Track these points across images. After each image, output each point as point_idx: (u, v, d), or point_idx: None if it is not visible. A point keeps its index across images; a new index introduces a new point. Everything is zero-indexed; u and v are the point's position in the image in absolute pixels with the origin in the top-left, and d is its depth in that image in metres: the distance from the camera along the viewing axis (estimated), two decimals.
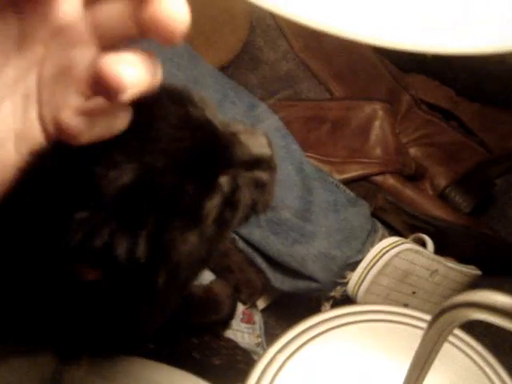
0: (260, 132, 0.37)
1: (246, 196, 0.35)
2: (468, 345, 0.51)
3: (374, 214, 0.79)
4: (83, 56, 0.29)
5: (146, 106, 0.30)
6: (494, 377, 0.49)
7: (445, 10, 0.39)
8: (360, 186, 0.84)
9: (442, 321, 0.34)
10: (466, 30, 0.38)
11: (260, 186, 0.36)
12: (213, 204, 0.33)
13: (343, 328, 0.52)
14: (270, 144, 0.36)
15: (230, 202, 0.35)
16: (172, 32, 0.26)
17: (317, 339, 0.51)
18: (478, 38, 0.38)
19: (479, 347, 0.51)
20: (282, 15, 0.40)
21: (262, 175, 0.36)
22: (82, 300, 0.34)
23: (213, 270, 0.66)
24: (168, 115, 0.32)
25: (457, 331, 0.51)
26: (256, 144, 0.36)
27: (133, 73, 0.26)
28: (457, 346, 0.51)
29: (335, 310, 0.54)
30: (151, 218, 0.31)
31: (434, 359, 0.36)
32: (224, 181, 0.34)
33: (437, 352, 0.36)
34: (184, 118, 0.33)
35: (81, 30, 0.29)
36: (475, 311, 0.30)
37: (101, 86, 0.26)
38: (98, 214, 0.29)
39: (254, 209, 0.37)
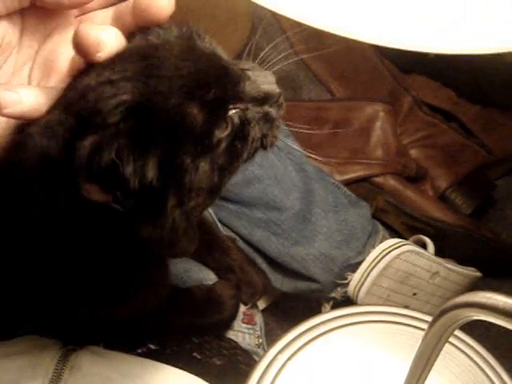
0: (268, 71, 0.38)
1: (255, 129, 0.37)
2: (469, 346, 0.51)
3: (374, 215, 0.79)
4: (67, 52, 0.34)
5: (147, 40, 0.33)
6: (494, 378, 0.49)
7: (444, 9, 0.39)
8: (361, 187, 0.84)
9: (443, 321, 0.33)
10: (465, 29, 0.38)
11: (269, 120, 0.38)
12: (223, 133, 0.35)
13: (344, 329, 0.52)
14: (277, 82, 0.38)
15: (240, 135, 0.36)
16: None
17: (318, 340, 0.51)
18: (477, 37, 0.38)
19: (480, 348, 0.51)
20: (284, 14, 0.40)
21: (271, 110, 0.38)
22: (93, 231, 0.35)
23: (214, 270, 0.66)
24: (172, 47, 0.34)
25: (457, 332, 0.51)
26: (265, 81, 0.37)
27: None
28: (457, 347, 0.51)
29: (336, 310, 0.54)
30: (160, 139, 0.31)
31: (435, 360, 0.36)
32: (234, 113, 0.35)
33: (438, 353, 0.36)
34: (188, 49, 0.34)
35: (70, 31, 0.35)
36: (476, 312, 0.30)
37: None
38: (103, 132, 0.30)
39: (262, 143, 0.38)
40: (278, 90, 0.38)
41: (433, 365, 0.37)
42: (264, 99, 0.37)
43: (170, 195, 0.33)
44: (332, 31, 0.38)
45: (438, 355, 0.36)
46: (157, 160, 0.31)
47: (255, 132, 0.37)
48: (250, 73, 0.37)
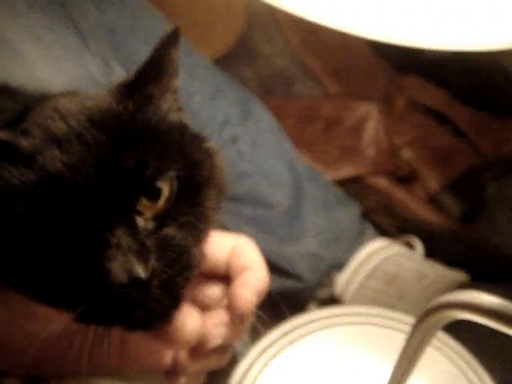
0: None
1: None
2: (450, 347, 0.51)
3: (364, 215, 0.78)
4: None
5: None
6: (475, 379, 0.49)
7: (441, 4, 0.38)
8: (351, 186, 0.84)
9: (427, 321, 0.33)
10: (461, 26, 0.38)
11: None
12: None
13: (328, 329, 0.51)
14: None
15: None
16: None
17: (301, 340, 0.51)
18: (472, 34, 0.38)
19: (461, 349, 0.51)
20: (279, 7, 0.39)
21: None
22: None
23: None
24: None
25: (439, 333, 0.50)
26: None
27: None
28: (438, 348, 0.50)
29: (320, 311, 0.53)
30: None
31: (417, 360, 0.36)
32: None
33: (421, 353, 0.35)
34: None
35: None
36: (461, 311, 0.30)
37: None
38: None
39: None
40: None
41: (416, 365, 0.36)
42: None
43: None
44: (327, 25, 0.38)
45: (421, 355, 0.35)
46: None
47: None
48: None
